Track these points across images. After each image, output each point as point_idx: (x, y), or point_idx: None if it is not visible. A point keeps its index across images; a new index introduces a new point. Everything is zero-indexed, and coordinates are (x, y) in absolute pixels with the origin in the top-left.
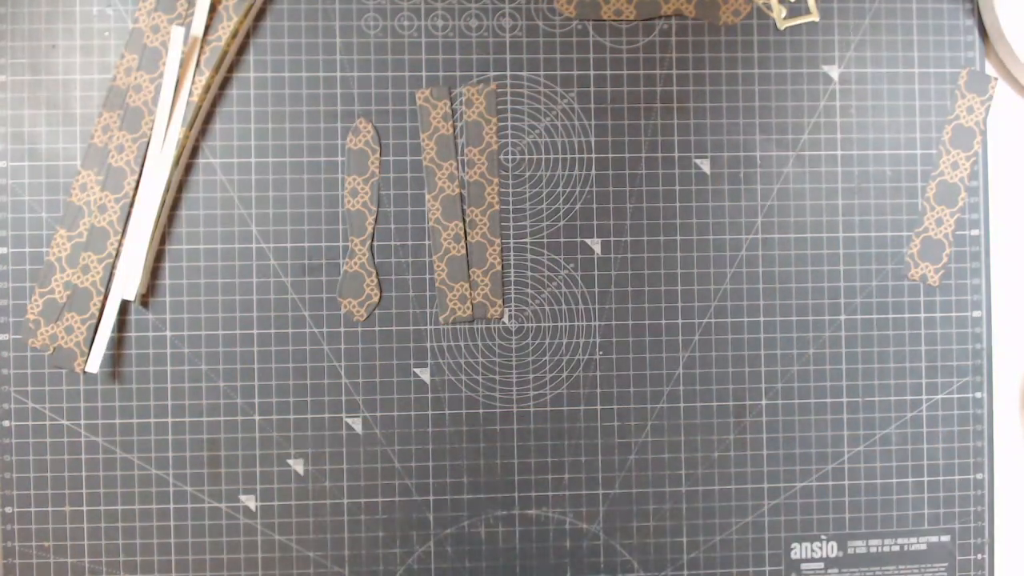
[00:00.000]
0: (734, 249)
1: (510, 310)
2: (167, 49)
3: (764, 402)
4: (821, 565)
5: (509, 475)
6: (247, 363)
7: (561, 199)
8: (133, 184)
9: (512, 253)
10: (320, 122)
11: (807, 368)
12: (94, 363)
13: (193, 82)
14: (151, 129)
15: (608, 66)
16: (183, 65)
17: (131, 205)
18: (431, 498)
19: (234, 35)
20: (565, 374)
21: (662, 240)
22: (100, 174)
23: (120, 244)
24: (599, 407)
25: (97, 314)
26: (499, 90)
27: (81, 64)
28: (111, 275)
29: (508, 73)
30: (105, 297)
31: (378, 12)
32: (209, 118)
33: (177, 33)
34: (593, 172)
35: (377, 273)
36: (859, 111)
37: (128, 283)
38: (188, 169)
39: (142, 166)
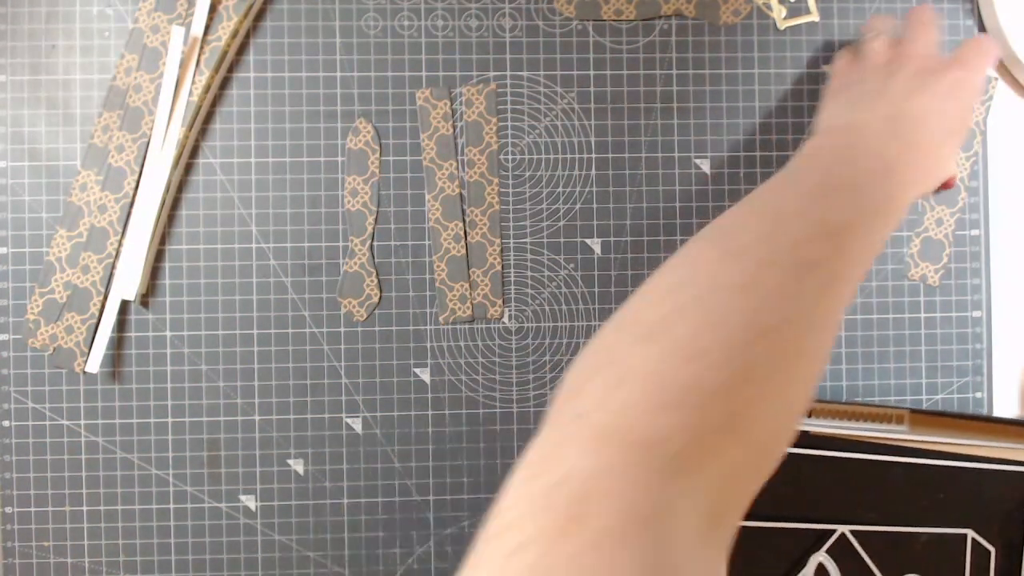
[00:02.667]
0: None
1: (510, 310)
2: (167, 49)
3: None
4: None
5: (509, 475)
6: (247, 363)
7: (561, 199)
8: (133, 184)
9: (512, 253)
10: (320, 122)
11: None
12: (94, 363)
13: (193, 82)
14: (151, 129)
15: (608, 66)
16: (183, 65)
17: (131, 205)
18: (431, 498)
19: (234, 35)
20: (565, 374)
21: (662, 240)
22: (100, 174)
23: (120, 244)
24: None
25: (97, 314)
26: (499, 90)
27: (81, 64)
28: (111, 275)
29: (508, 73)
30: (105, 297)
31: (378, 12)
32: (209, 118)
33: (177, 33)
34: (593, 172)
35: (377, 273)
36: None
37: (128, 283)
38: (188, 169)
39: (142, 166)
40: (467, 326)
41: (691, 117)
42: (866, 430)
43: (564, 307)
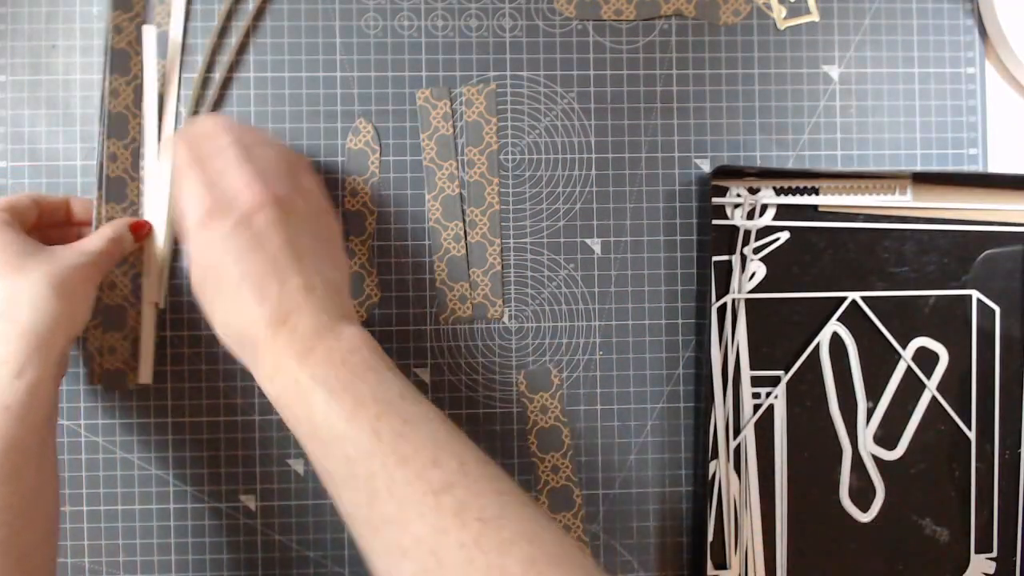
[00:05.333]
0: None
1: (510, 310)
2: (143, 52)
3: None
4: None
5: (509, 475)
6: None
7: (561, 199)
8: (135, 191)
9: (512, 253)
10: (320, 122)
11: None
12: (146, 374)
13: (192, 82)
14: (139, 134)
15: (608, 66)
16: (168, 71)
17: (138, 212)
18: None
19: (220, 34)
20: (565, 374)
21: (662, 240)
22: (100, 188)
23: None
24: (599, 407)
25: (135, 327)
26: (499, 90)
27: (81, 64)
28: (138, 285)
29: (508, 73)
30: (138, 309)
31: (378, 12)
32: None
33: (149, 33)
34: (593, 172)
35: (377, 273)
36: (859, 111)
37: (154, 289)
38: None
39: (143, 170)
40: (467, 326)
41: (691, 117)
42: (871, 201)
43: (564, 307)
